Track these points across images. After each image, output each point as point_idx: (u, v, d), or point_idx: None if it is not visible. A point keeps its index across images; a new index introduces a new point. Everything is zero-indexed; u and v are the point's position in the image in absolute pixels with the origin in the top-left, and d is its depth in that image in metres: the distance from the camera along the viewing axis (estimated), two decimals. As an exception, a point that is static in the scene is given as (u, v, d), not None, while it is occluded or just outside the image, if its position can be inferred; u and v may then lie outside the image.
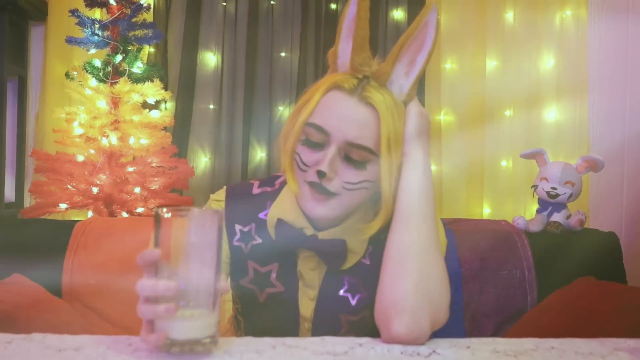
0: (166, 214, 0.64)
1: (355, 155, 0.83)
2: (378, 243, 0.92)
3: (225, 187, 1.00)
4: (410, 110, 0.85)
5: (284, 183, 0.97)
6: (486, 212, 2.66)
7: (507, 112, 2.65)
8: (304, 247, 0.90)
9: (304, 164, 0.85)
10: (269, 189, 0.98)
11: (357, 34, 0.84)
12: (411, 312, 0.75)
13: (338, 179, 0.84)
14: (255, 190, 0.98)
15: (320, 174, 0.82)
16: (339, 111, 0.83)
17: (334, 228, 0.90)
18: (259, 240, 0.94)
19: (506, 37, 2.64)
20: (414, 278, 0.77)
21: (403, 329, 0.74)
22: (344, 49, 0.87)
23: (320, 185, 0.83)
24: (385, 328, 0.77)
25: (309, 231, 0.91)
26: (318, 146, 0.84)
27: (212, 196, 0.99)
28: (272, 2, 2.82)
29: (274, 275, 0.93)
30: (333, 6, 2.80)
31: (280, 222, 0.91)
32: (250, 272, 0.94)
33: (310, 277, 0.93)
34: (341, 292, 0.93)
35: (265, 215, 0.94)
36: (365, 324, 0.94)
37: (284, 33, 2.83)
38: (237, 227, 0.95)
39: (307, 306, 0.94)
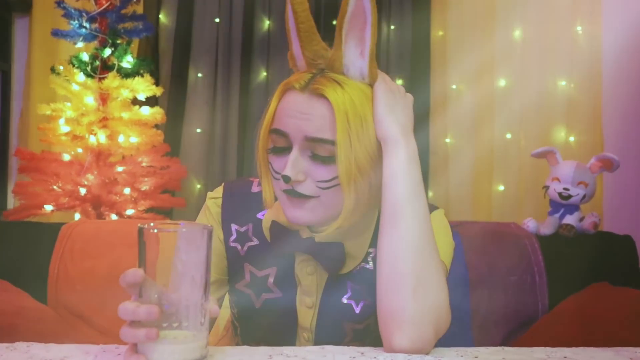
0: (152, 229, 0.63)
1: (320, 150, 0.81)
2: None
3: (223, 184, 1.00)
4: (376, 89, 0.82)
5: None
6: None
7: (517, 135, 2.64)
8: (300, 250, 0.90)
9: (276, 172, 0.85)
10: None
11: (298, 28, 0.82)
12: (412, 322, 0.74)
13: (310, 180, 0.82)
14: (255, 188, 0.98)
15: (285, 179, 0.80)
16: (292, 109, 0.82)
17: (331, 230, 0.90)
18: (256, 242, 0.94)
19: (515, 55, 2.65)
20: (410, 284, 0.76)
21: (405, 341, 0.74)
22: (297, 49, 0.86)
23: (293, 191, 0.82)
24: (387, 340, 0.76)
25: (305, 233, 0.91)
26: (284, 151, 0.84)
27: (209, 194, 0.99)
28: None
29: (271, 280, 0.93)
30: (334, 22, 2.78)
31: (275, 224, 0.91)
32: (246, 275, 0.94)
33: (308, 282, 0.92)
34: (344, 299, 0.92)
35: (264, 215, 0.94)
36: (370, 332, 0.94)
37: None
38: (234, 227, 0.95)
39: (305, 315, 0.94)
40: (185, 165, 2.44)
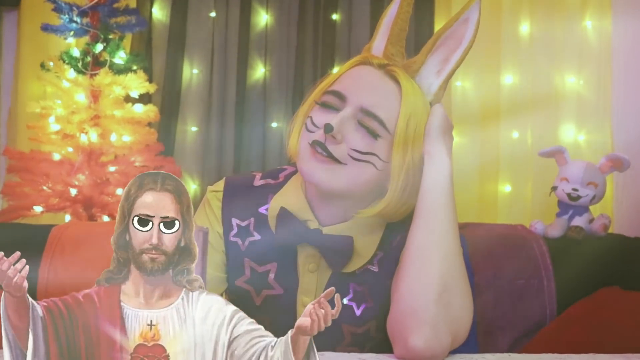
0: None
1: (369, 123, 0.85)
2: (388, 250, 0.92)
3: (224, 178, 1.01)
4: (435, 109, 0.88)
5: (288, 176, 0.98)
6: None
7: (524, 134, 2.64)
8: (306, 242, 0.90)
9: (314, 125, 0.87)
10: (272, 181, 0.98)
11: (396, 24, 0.89)
12: (432, 324, 0.75)
13: (345, 145, 0.85)
14: (257, 182, 0.99)
15: (328, 127, 0.82)
16: (360, 79, 0.87)
17: (341, 224, 0.90)
18: (257, 237, 0.94)
19: (522, 51, 2.65)
20: (437, 287, 0.77)
21: (421, 342, 0.74)
22: (378, 44, 0.92)
23: (324, 145, 0.84)
24: (401, 340, 0.76)
25: (313, 224, 0.91)
26: (332, 109, 0.86)
27: (209, 187, 1.01)
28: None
29: (272, 275, 0.93)
30: (334, 16, 2.77)
31: (283, 211, 0.91)
32: (246, 271, 0.94)
33: (308, 280, 0.93)
34: (345, 300, 0.93)
35: (266, 210, 0.95)
36: (369, 338, 0.94)
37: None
38: (235, 221, 0.96)
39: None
40: (179, 165, 2.44)
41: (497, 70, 2.67)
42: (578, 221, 1.76)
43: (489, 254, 1.66)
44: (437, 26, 2.74)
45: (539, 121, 2.62)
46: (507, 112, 2.65)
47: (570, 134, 2.62)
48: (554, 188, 1.81)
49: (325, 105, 0.87)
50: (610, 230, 1.80)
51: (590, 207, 1.79)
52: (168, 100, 2.75)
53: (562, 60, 2.62)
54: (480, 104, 2.70)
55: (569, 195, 1.76)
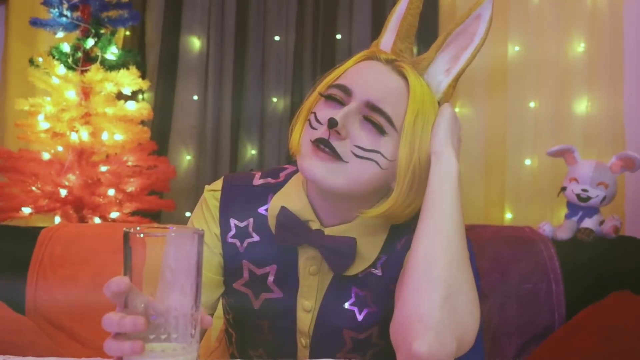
0: (138, 234, 0.63)
1: (375, 119, 0.85)
2: (393, 253, 0.92)
3: (223, 177, 1.01)
4: (444, 109, 0.88)
5: (289, 175, 0.98)
6: (508, 217, 2.66)
7: (532, 104, 2.65)
8: (307, 243, 0.90)
9: (318, 121, 0.87)
10: (272, 180, 0.98)
11: (405, 19, 0.90)
12: (437, 330, 0.75)
13: (349, 141, 0.85)
14: (257, 181, 0.99)
15: (332, 122, 0.82)
16: (367, 73, 0.87)
17: (344, 225, 0.90)
18: (256, 238, 0.94)
19: (530, 19, 2.64)
20: (442, 292, 0.77)
21: (425, 347, 0.74)
22: (387, 40, 0.92)
23: (327, 142, 0.84)
24: (404, 346, 0.76)
25: (315, 225, 0.91)
26: (337, 102, 0.87)
27: (207, 187, 1.00)
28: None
29: (271, 278, 0.93)
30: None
31: (283, 211, 0.91)
32: (245, 273, 0.94)
33: (309, 283, 0.93)
34: (347, 304, 0.93)
35: (266, 210, 0.95)
36: (371, 344, 0.94)
37: (278, 14, 2.83)
38: (233, 221, 0.95)
39: (303, 319, 0.94)
40: (173, 165, 2.44)
41: (504, 39, 2.66)
42: (588, 223, 1.76)
43: (495, 257, 1.66)
44: (442, 23, 2.75)
45: (547, 92, 2.61)
46: (514, 82, 2.64)
47: (582, 107, 2.61)
48: (563, 189, 1.81)
49: (330, 98, 0.87)
50: (621, 232, 1.80)
51: (601, 209, 1.79)
52: (162, 97, 2.75)
53: (571, 28, 2.61)
54: (486, 73, 2.69)
55: (578, 196, 1.76)
